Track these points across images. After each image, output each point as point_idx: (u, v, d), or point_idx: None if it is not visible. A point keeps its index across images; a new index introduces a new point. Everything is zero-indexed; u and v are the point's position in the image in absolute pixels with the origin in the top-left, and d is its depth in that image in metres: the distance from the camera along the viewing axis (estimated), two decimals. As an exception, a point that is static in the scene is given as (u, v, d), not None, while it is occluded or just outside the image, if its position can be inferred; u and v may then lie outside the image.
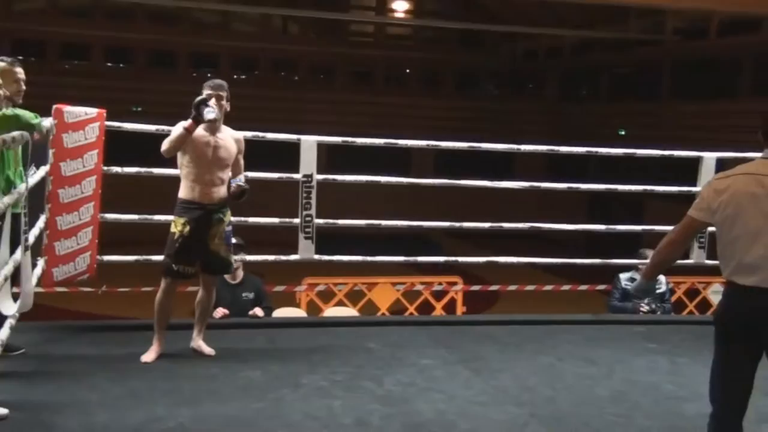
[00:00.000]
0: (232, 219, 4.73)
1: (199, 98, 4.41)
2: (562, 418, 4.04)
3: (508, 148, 6.39)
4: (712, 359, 3.20)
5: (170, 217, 4.63)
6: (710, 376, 3.14)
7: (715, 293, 9.07)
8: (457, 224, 6.25)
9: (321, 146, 5.66)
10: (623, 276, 7.12)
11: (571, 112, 21.04)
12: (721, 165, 6.33)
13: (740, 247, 2.99)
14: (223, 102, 4.50)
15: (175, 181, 4.63)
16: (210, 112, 4.35)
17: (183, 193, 4.53)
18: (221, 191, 4.55)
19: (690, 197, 6.30)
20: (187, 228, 4.48)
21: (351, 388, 4.26)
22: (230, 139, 4.56)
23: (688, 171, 6.39)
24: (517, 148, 6.38)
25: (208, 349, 4.67)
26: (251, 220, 5.60)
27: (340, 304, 8.02)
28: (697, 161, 6.30)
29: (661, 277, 7.08)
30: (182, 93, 5.11)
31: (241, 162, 4.66)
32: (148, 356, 4.49)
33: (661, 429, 3.93)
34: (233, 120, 4.64)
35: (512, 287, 8.97)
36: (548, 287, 8.81)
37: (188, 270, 4.56)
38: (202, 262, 4.62)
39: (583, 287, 9.06)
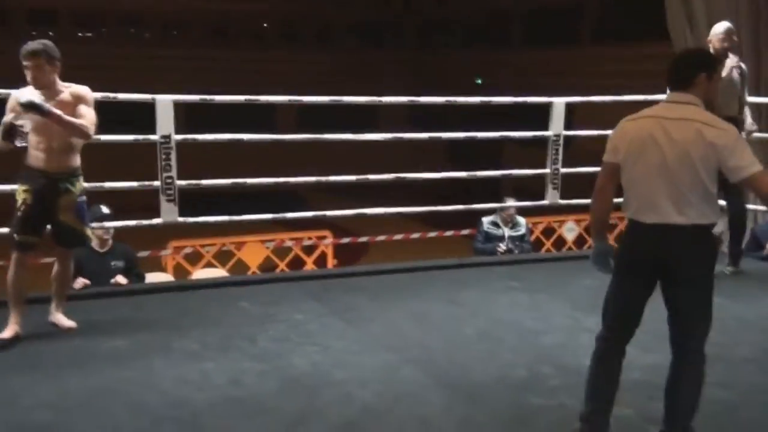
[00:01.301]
0: (87, 185, 4.53)
1: (5, 125, 4.11)
2: (433, 358, 4.20)
3: (370, 100, 6.43)
4: (599, 287, 3.33)
5: (15, 187, 4.38)
6: (605, 301, 3.28)
7: (569, 230, 9.61)
8: (323, 178, 6.26)
9: (178, 106, 5.50)
10: (486, 219, 7.39)
11: (429, 63, 21.35)
12: (571, 109, 6.66)
13: (641, 187, 3.12)
14: (45, 66, 4.16)
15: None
16: (21, 142, 4.09)
17: (26, 159, 4.29)
18: (65, 158, 4.29)
19: (543, 141, 6.61)
20: (30, 196, 4.26)
21: (224, 349, 4.25)
22: (69, 98, 4.23)
23: (542, 116, 6.66)
24: (378, 100, 6.43)
25: (68, 323, 4.50)
26: (108, 185, 5.40)
27: (208, 265, 7.92)
28: (548, 106, 6.57)
29: (521, 219, 7.41)
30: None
31: (84, 112, 4.24)
32: (5, 333, 4.27)
33: (522, 361, 4.15)
34: (82, 82, 4.40)
35: (381, 237, 9.14)
36: (415, 235, 9.03)
37: (31, 240, 4.33)
38: (53, 234, 4.41)
39: (449, 233, 9.38)
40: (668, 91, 3.20)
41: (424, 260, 6.43)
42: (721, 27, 5.71)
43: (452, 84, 18.09)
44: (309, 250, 8.62)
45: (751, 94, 9.70)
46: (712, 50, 5.56)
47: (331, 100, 6.15)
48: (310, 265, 8.43)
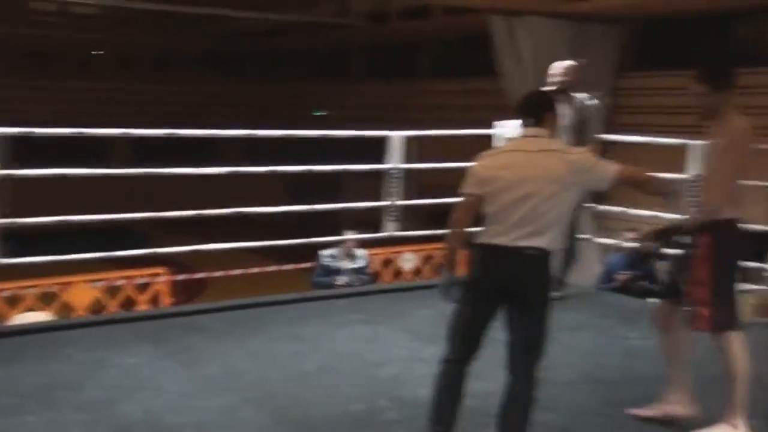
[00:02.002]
0: None
1: None
2: (273, 397, 4.11)
3: (209, 134, 6.30)
4: (449, 314, 3.40)
5: None
6: (452, 324, 3.37)
7: (407, 261, 9.79)
8: (157, 214, 6.03)
9: (4, 138, 5.12)
10: (324, 253, 7.40)
11: (270, 95, 21.27)
12: (408, 142, 6.81)
13: (504, 216, 3.27)
14: None
15: None
16: None
17: None
18: None
19: (381, 174, 6.70)
20: None
21: (46, 401, 3.95)
22: None
23: (379, 149, 6.77)
24: (214, 133, 6.31)
25: None
26: None
27: (30, 309, 7.39)
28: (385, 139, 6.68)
29: (359, 251, 7.48)
30: None
31: None
32: None
33: (361, 395, 4.15)
34: None
35: (218, 273, 8.94)
36: (254, 270, 8.90)
37: None
38: None
39: (288, 266, 9.31)
40: (522, 128, 3.45)
41: (264, 296, 6.33)
42: (561, 64, 5.86)
43: (292, 116, 18.13)
44: (142, 288, 8.26)
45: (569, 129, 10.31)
46: (554, 86, 5.70)
47: (165, 133, 5.95)
48: (143, 305, 8.07)
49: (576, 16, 10.80)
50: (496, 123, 6.39)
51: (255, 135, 6.57)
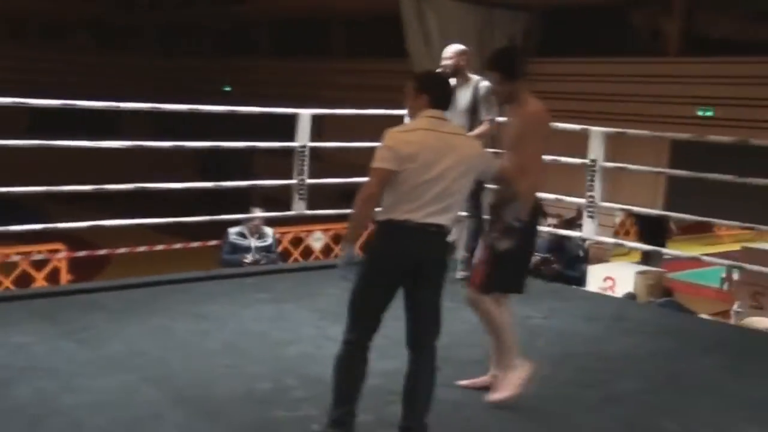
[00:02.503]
0: None
1: None
2: (173, 376, 4.03)
3: (109, 105, 6.07)
4: (351, 291, 3.37)
5: None
6: (353, 304, 3.36)
7: (316, 240, 9.78)
8: (54, 188, 5.79)
9: None
10: (232, 230, 7.30)
11: (175, 68, 20.70)
12: (317, 121, 6.77)
13: (419, 194, 3.28)
14: None
15: None
16: None
17: None
18: None
19: (290, 152, 6.63)
20: None
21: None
22: None
23: (289, 126, 6.70)
24: (116, 106, 6.09)
25: None
26: None
27: None
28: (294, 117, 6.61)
29: (267, 229, 7.41)
30: None
31: None
32: None
33: (267, 372, 4.12)
34: None
35: (123, 250, 8.69)
36: (160, 247, 8.70)
37: None
38: None
39: (195, 244, 9.14)
40: (429, 108, 3.44)
41: (169, 273, 6.19)
42: (451, 48, 6.02)
43: (200, 91, 17.73)
44: (39, 265, 7.95)
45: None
46: (446, 69, 5.84)
47: (62, 104, 5.71)
48: (40, 282, 7.77)
49: (482, 1, 10.96)
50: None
51: (159, 108, 6.39)
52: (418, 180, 3.29)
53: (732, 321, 6.95)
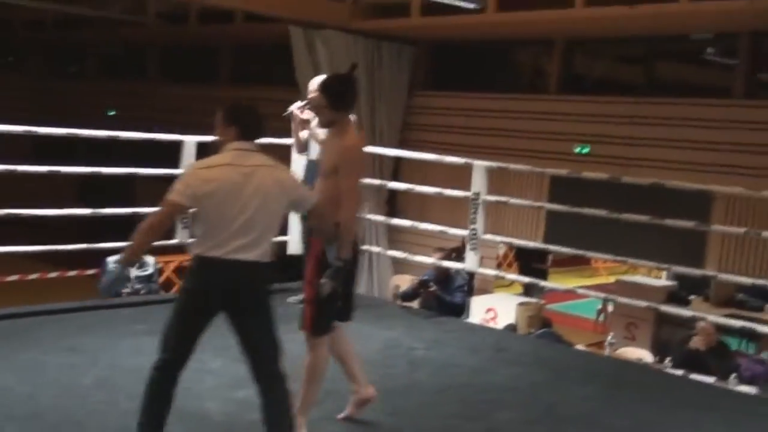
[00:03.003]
0: None
1: None
2: (42, 414, 3.84)
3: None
4: (167, 319, 3.43)
5: None
6: (167, 332, 3.40)
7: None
8: None
9: None
10: (111, 259, 7.01)
11: (56, 90, 19.93)
12: (202, 148, 6.64)
13: (221, 230, 3.29)
14: None
15: None
16: None
17: None
18: None
19: (173, 179, 6.47)
20: None
21: None
22: None
23: (174, 153, 6.55)
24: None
25: None
26: None
27: None
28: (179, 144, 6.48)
29: (149, 258, 7.18)
30: None
31: None
32: None
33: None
34: None
35: (-10, 279, 8.22)
36: (33, 276, 8.28)
37: None
38: None
39: (72, 273, 8.75)
40: (236, 141, 3.42)
41: (42, 304, 5.90)
42: (315, 82, 5.60)
43: (81, 114, 17.11)
44: None
45: (367, 144, 10.55)
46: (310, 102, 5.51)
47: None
48: None
49: (370, 34, 11.13)
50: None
51: (34, 132, 6.13)
52: (218, 215, 3.31)
53: (606, 352, 7.21)
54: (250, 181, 3.32)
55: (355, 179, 3.85)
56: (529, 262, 12.40)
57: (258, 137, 3.49)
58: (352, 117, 5.94)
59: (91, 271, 8.36)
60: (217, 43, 15.80)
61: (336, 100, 3.81)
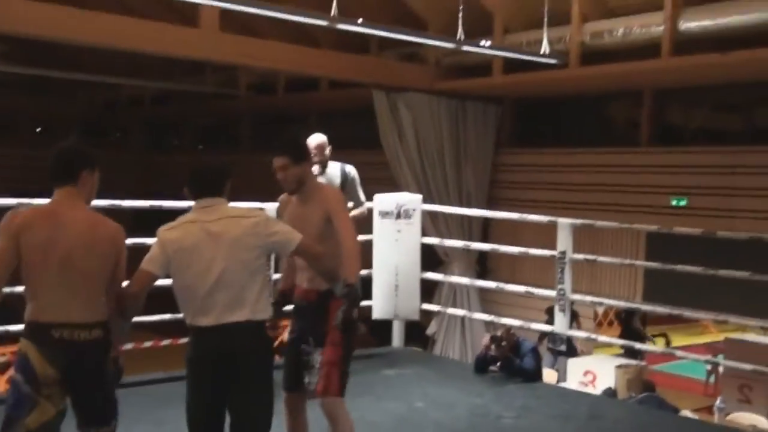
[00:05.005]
0: None
1: None
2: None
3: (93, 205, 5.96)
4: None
5: None
6: (186, 410, 3.22)
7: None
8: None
9: None
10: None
11: (158, 163, 20.81)
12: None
13: (196, 291, 3.14)
14: None
15: None
16: None
17: None
18: None
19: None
20: None
21: None
22: None
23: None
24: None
25: None
26: None
27: None
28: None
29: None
30: None
31: None
32: None
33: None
34: None
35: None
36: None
37: None
38: None
39: (166, 342, 8.80)
40: (200, 198, 3.28)
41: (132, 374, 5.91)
42: (312, 142, 5.49)
43: (180, 186, 17.74)
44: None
45: (453, 204, 10.49)
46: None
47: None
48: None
49: (453, 94, 11.12)
50: (376, 196, 6.34)
51: (139, 207, 6.33)
52: (185, 281, 3.17)
53: (715, 418, 6.68)
54: (211, 236, 3.14)
55: (346, 215, 3.75)
56: (631, 320, 11.81)
57: (210, 194, 3.27)
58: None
59: (184, 340, 8.37)
60: (305, 110, 16.18)
61: (299, 154, 3.74)
